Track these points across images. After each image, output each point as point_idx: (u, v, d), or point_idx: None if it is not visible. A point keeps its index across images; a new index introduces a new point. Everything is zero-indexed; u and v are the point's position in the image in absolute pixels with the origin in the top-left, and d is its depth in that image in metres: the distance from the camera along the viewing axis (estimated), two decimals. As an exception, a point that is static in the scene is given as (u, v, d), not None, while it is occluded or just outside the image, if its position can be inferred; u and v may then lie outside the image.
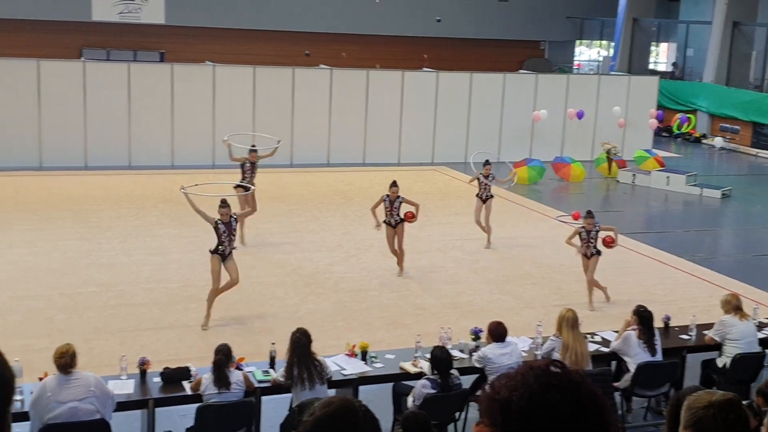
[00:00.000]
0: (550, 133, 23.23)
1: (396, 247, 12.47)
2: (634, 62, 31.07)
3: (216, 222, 10.11)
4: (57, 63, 20.04)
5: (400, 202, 12.37)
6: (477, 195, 14.16)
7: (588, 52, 35.34)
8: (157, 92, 20.06)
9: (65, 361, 6.61)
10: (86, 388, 6.61)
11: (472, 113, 22.87)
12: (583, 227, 11.43)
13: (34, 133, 19.27)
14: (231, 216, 10.20)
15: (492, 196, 14.12)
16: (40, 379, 6.95)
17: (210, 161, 20.37)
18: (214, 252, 10.17)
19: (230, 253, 10.21)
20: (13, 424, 7.26)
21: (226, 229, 10.14)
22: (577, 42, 33.94)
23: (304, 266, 12.74)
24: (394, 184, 12.44)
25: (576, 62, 34.22)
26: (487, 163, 14.22)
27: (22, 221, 14.25)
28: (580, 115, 22.64)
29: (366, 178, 19.59)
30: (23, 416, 6.68)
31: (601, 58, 33.69)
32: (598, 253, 11.38)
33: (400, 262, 12.51)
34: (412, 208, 12.43)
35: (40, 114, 19.28)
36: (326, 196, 17.71)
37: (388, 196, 12.39)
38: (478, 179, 14.12)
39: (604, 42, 34.19)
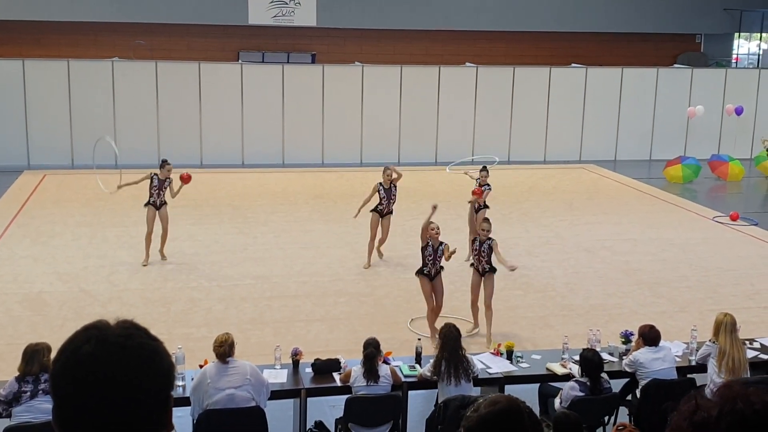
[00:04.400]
0: (707, 130, 22.33)
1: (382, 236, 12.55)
2: (799, 55, 29.26)
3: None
4: (216, 65, 21.01)
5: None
6: (470, 201, 12.66)
7: (747, 46, 33.64)
8: (308, 93, 20.67)
9: (224, 350, 6.93)
10: (243, 376, 6.89)
11: (622, 110, 22.28)
12: (476, 238, 9.81)
13: (196, 132, 20.31)
14: None
15: (487, 207, 12.56)
16: (201, 366, 7.33)
17: (358, 159, 20.82)
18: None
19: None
20: (175, 408, 7.69)
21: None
22: (736, 35, 32.33)
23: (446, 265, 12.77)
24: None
25: (734, 56, 32.65)
26: (484, 169, 12.72)
27: (185, 216, 15.02)
28: (738, 111, 21.61)
29: (511, 176, 19.42)
30: (185, 401, 7.05)
31: (761, 52, 32.01)
32: (493, 270, 9.71)
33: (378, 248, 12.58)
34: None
35: (201, 114, 20.30)
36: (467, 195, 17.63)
37: (381, 183, 12.44)
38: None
39: (764, 35, 32.42)
